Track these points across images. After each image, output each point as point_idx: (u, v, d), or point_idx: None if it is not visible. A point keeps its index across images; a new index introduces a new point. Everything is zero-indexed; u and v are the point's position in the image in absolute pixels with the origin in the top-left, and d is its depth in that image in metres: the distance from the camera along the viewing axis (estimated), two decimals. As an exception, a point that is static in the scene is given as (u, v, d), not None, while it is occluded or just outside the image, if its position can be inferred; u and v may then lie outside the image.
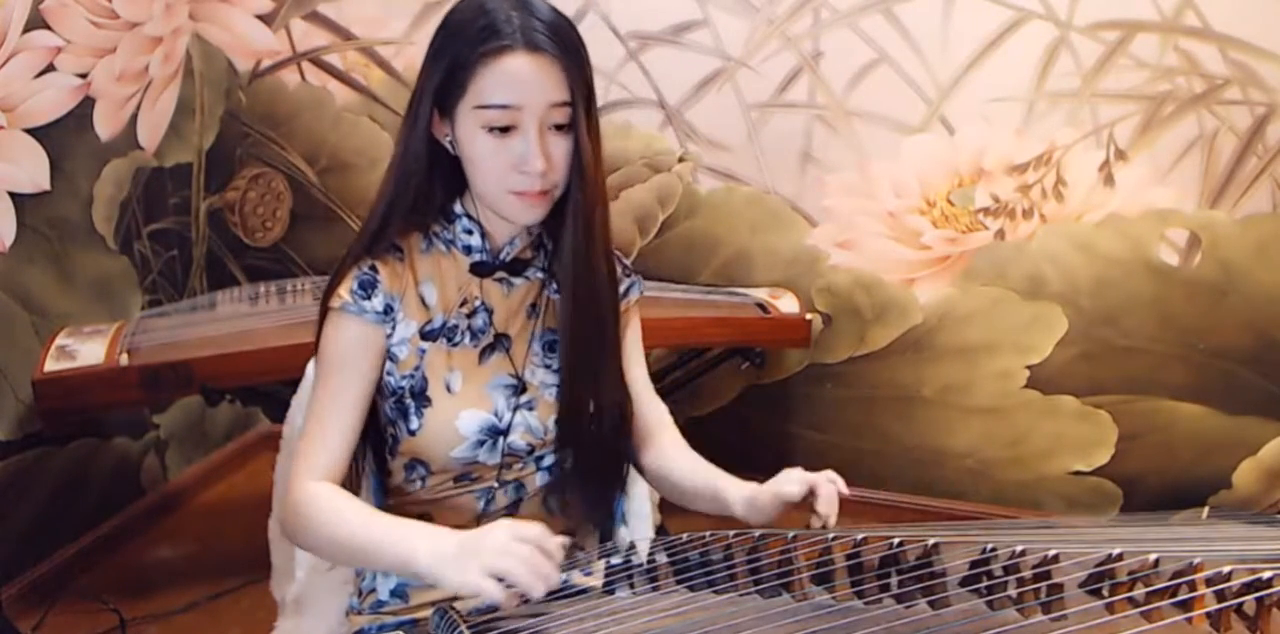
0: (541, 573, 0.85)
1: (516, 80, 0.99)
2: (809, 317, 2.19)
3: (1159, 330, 2.16)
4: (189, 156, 2.51)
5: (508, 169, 1.01)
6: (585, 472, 1.15)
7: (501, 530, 0.88)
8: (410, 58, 2.40)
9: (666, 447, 1.19)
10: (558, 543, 0.89)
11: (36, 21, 1.96)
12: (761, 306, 2.18)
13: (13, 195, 1.96)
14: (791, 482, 1.03)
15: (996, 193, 2.18)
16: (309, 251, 2.61)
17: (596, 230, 1.07)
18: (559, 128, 1.02)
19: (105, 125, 2.19)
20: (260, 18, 2.45)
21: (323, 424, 1.05)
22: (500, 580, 0.85)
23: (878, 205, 2.24)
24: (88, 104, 2.12)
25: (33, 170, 2.01)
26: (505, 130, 1.00)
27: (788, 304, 2.21)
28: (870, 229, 2.27)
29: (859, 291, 2.31)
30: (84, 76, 2.10)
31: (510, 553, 0.86)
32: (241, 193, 2.60)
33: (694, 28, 2.22)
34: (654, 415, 1.22)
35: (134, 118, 2.28)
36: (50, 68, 2.01)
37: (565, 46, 1.00)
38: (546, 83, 0.99)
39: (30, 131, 1.99)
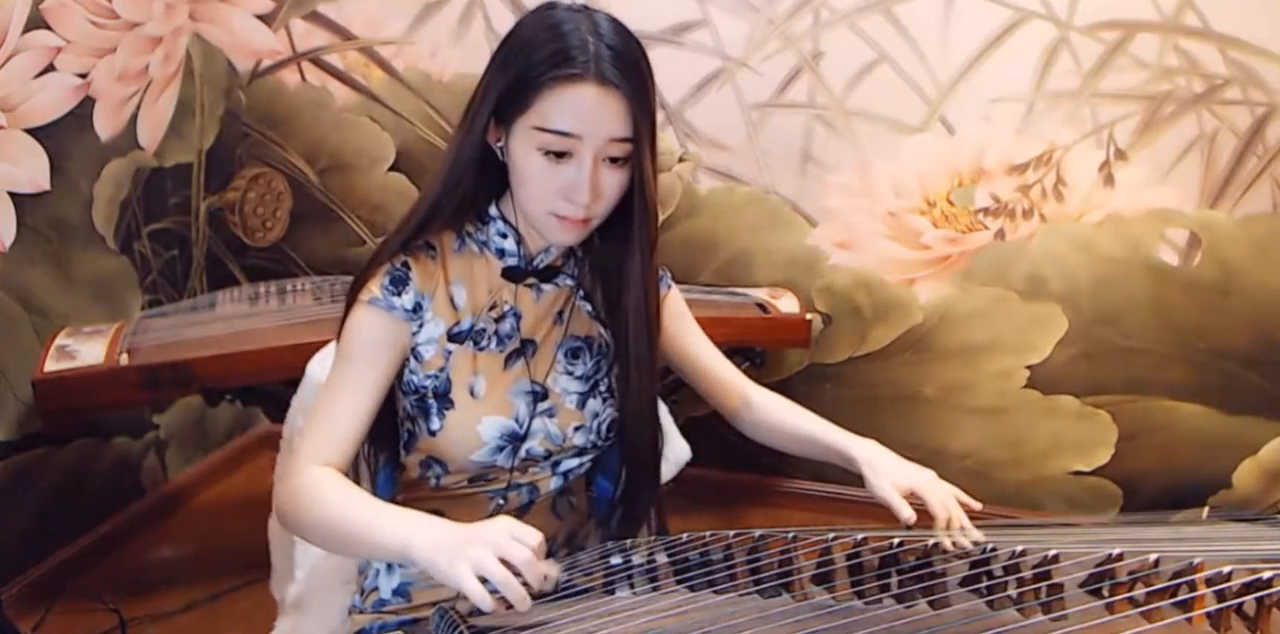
0: (526, 573, 0.85)
1: (582, 111, 0.97)
2: (809, 317, 2.19)
3: (1159, 330, 2.17)
4: (189, 156, 2.51)
5: (554, 193, 1.01)
6: (628, 491, 1.16)
7: (500, 527, 0.87)
8: (410, 58, 2.40)
9: (769, 401, 1.29)
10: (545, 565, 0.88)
11: (36, 21, 1.96)
12: (761, 306, 2.18)
13: (13, 195, 1.96)
14: (903, 501, 1.10)
15: (996, 193, 2.18)
16: (309, 251, 2.61)
17: (655, 265, 1.10)
18: (613, 160, 1.01)
19: (105, 125, 2.19)
20: (260, 18, 2.45)
21: (333, 415, 1.04)
22: (486, 583, 0.84)
23: (878, 205, 2.24)
24: (88, 104, 2.12)
25: (33, 170, 2.01)
26: (560, 155, 1.00)
27: (788, 304, 2.21)
28: (870, 229, 2.27)
29: (859, 291, 2.31)
30: (84, 76, 2.10)
31: (502, 552, 0.85)
32: (241, 193, 2.60)
33: (694, 28, 2.22)
34: (738, 377, 1.29)
35: (134, 118, 2.28)
36: (50, 68, 2.01)
37: (636, 81, 0.99)
38: (611, 117, 0.98)
39: (30, 131, 1.99)
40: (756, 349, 2.23)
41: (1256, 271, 2.08)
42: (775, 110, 2.24)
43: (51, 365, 1.80)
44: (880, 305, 2.31)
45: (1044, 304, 2.21)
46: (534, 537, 0.87)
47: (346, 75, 2.46)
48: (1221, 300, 2.11)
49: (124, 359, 1.81)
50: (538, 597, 0.86)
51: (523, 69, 0.99)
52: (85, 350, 1.85)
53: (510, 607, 0.84)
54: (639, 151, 1.01)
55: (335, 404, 1.04)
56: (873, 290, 2.30)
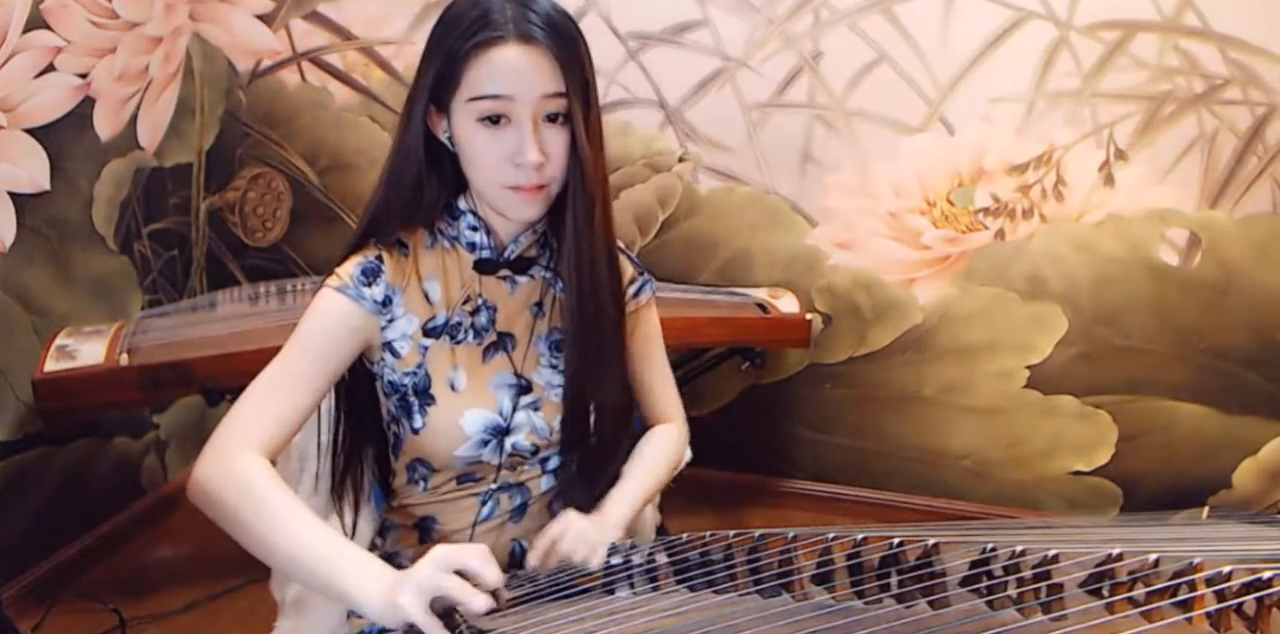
0: (477, 578, 0.85)
1: (508, 70, 0.98)
2: (809, 317, 2.19)
3: (1159, 330, 2.16)
4: (189, 156, 2.51)
5: (503, 162, 1.01)
6: (587, 473, 1.14)
7: (428, 561, 0.86)
8: (410, 58, 2.40)
9: (651, 432, 1.23)
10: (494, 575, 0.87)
11: (36, 21, 1.96)
12: (761, 306, 2.18)
13: (13, 195, 1.96)
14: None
15: (996, 193, 2.18)
16: (309, 251, 2.61)
17: (597, 224, 1.06)
18: (554, 120, 1.01)
19: (105, 125, 2.19)
20: (260, 18, 2.45)
21: (279, 394, 1.01)
22: (433, 606, 0.84)
23: (878, 205, 2.24)
24: (88, 104, 2.12)
25: (33, 170, 2.01)
26: (498, 121, 1.00)
27: (788, 304, 2.21)
28: (870, 229, 2.27)
29: (859, 291, 2.31)
30: (84, 76, 2.10)
31: (432, 590, 0.84)
32: (241, 193, 2.60)
33: (694, 28, 2.22)
34: (657, 410, 1.24)
35: (134, 118, 2.28)
36: (50, 68, 2.01)
37: (559, 37, 0.99)
38: (539, 73, 0.98)
39: (30, 131, 1.99)
40: (756, 349, 2.23)
41: (1256, 271, 2.08)
42: (775, 110, 2.24)
43: (51, 365, 1.80)
44: (880, 305, 2.31)
45: (1044, 304, 2.21)
46: (469, 556, 0.86)
47: (346, 75, 2.46)
48: (1221, 300, 2.11)
49: (124, 359, 1.81)
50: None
51: (449, 47, 0.99)
52: (85, 350, 1.85)
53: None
54: (571, 109, 1.00)
55: (282, 386, 1.01)
56: (873, 290, 2.30)
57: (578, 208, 1.04)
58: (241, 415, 1.00)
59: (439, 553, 0.86)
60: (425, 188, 1.07)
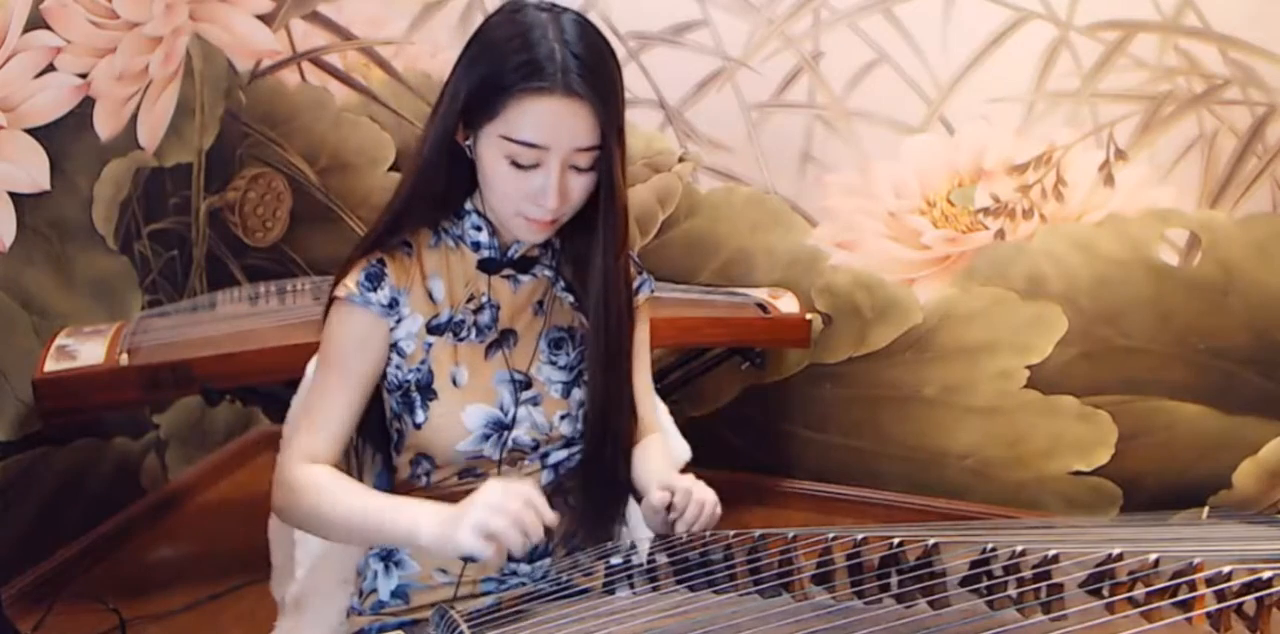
0: (525, 526, 0.91)
1: (549, 123, 0.99)
2: (809, 317, 2.19)
3: (1159, 330, 2.16)
4: (189, 156, 2.50)
5: (522, 198, 1.03)
6: (598, 482, 1.16)
7: (492, 487, 0.94)
8: (410, 58, 2.40)
9: (647, 441, 1.20)
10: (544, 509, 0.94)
11: (36, 21, 1.96)
12: (761, 306, 2.18)
13: (13, 195, 1.96)
14: (653, 492, 1.05)
15: (996, 193, 2.18)
16: (309, 251, 2.61)
17: (623, 256, 1.10)
18: (581, 165, 1.03)
19: (105, 125, 2.19)
20: (260, 18, 2.45)
21: (321, 412, 1.08)
22: (489, 539, 0.91)
23: (878, 205, 2.24)
24: (88, 104, 2.12)
25: (33, 170, 2.01)
26: (531, 164, 1.01)
27: (788, 304, 2.21)
28: (870, 229, 2.27)
29: (859, 291, 2.31)
30: (84, 76, 2.10)
31: (501, 509, 0.91)
32: (241, 193, 2.60)
33: (694, 28, 2.22)
34: (647, 419, 1.22)
35: (134, 118, 2.28)
36: (50, 68, 2.01)
37: (603, 90, 1.00)
38: (578, 128, 1.00)
39: (30, 131, 1.99)
40: (756, 349, 2.23)
41: (1256, 271, 2.08)
42: (775, 110, 2.23)
43: (51, 365, 1.80)
44: (880, 305, 2.31)
45: (1044, 304, 2.21)
46: (527, 487, 0.94)
47: (346, 75, 2.46)
48: (1221, 300, 2.11)
49: (124, 359, 1.81)
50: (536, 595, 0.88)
51: (490, 75, 1.00)
52: (85, 350, 1.85)
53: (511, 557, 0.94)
54: (607, 156, 1.02)
55: (321, 404, 1.09)
56: (873, 290, 2.30)
57: (608, 246, 1.08)
58: (291, 439, 1.09)
59: (479, 519, 0.91)
60: (446, 192, 1.10)
